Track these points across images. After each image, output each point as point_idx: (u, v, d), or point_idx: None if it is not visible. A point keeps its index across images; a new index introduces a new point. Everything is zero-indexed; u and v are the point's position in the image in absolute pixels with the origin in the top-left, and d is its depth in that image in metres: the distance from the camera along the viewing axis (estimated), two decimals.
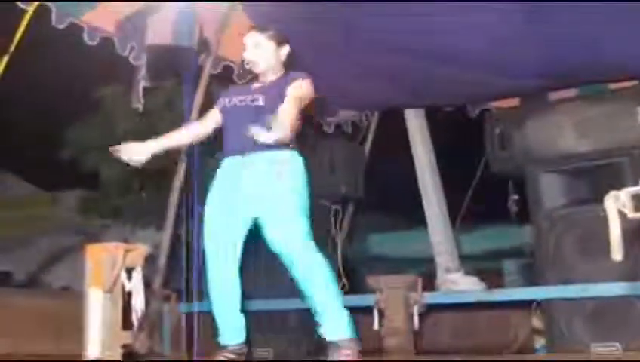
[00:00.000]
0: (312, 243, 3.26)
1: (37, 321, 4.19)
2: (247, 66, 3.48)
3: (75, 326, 2.32)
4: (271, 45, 3.44)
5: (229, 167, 3.41)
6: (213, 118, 3.57)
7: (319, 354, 3.41)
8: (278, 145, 3.15)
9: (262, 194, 3.29)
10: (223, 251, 3.36)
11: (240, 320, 3.39)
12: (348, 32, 4.92)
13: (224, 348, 3.36)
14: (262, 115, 3.11)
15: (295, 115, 3.15)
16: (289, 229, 3.24)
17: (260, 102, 3.33)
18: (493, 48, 4.84)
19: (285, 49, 3.48)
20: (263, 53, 3.43)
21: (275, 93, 3.30)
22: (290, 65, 3.52)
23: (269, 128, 2.91)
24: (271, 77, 3.46)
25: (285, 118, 3.03)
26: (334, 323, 3.23)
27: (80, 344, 2.28)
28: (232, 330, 3.39)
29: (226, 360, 3.30)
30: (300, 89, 3.31)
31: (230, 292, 3.36)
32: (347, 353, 3.17)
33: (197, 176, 4.83)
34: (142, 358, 3.16)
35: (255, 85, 3.51)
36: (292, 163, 3.35)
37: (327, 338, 3.23)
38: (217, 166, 3.51)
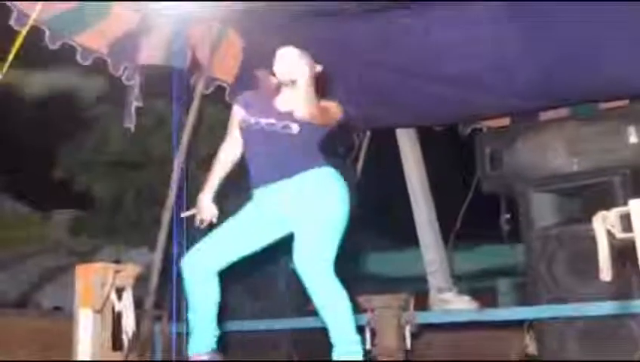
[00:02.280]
0: (333, 272, 3.10)
1: (27, 341, 4.17)
2: (280, 77, 3.23)
3: (66, 346, 2.31)
4: (298, 55, 3.19)
5: (263, 196, 3.28)
6: (238, 138, 3.41)
7: None
8: (310, 164, 3.16)
9: (290, 216, 3.21)
10: (216, 258, 3.30)
11: (210, 329, 3.32)
12: (340, 51, 4.94)
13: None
14: (296, 145, 3.14)
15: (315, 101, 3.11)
16: (316, 254, 3.10)
17: (294, 131, 3.19)
18: (485, 68, 4.87)
19: (318, 67, 3.22)
20: (299, 66, 3.15)
21: (313, 123, 3.19)
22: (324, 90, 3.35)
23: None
24: (299, 97, 3.16)
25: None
26: (347, 347, 3.11)
27: None
28: (199, 339, 3.32)
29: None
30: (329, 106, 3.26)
31: (207, 297, 3.29)
32: None
33: (188, 196, 4.85)
34: None
35: (281, 106, 3.29)
36: (328, 183, 3.25)
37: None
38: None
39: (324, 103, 3.27)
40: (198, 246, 3.34)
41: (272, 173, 3.22)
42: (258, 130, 3.27)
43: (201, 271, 3.26)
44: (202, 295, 3.28)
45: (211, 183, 3.46)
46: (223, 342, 3.44)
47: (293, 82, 3.17)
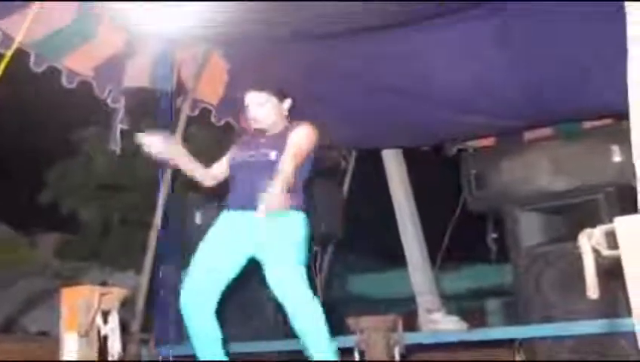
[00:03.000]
0: (309, 290, 3.29)
1: None
2: (254, 125, 3.58)
3: None
4: (273, 101, 3.55)
5: (232, 217, 3.50)
6: (225, 166, 3.68)
7: None
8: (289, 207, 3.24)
9: (263, 240, 3.37)
10: (208, 291, 3.41)
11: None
12: (326, 74, 4.96)
13: None
14: (273, 170, 3.26)
15: (295, 164, 3.30)
16: (287, 276, 3.29)
17: (272, 157, 3.40)
18: (472, 89, 4.90)
19: (287, 102, 3.59)
20: (266, 111, 3.54)
21: (274, 146, 3.43)
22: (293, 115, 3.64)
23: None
24: (276, 130, 3.55)
25: (285, 169, 3.21)
26: (322, 353, 3.23)
27: None
28: None
29: None
30: (299, 138, 3.42)
31: (209, 330, 3.40)
32: None
33: (172, 217, 4.86)
34: None
35: (262, 139, 3.56)
36: (293, 218, 3.39)
37: None
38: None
39: (301, 129, 3.47)
40: (185, 285, 3.45)
41: (249, 199, 3.28)
42: (242, 162, 3.53)
43: (197, 304, 3.40)
44: (204, 328, 3.40)
45: (187, 158, 3.65)
46: None
47: (263, 123, 3.56)
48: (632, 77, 1.75)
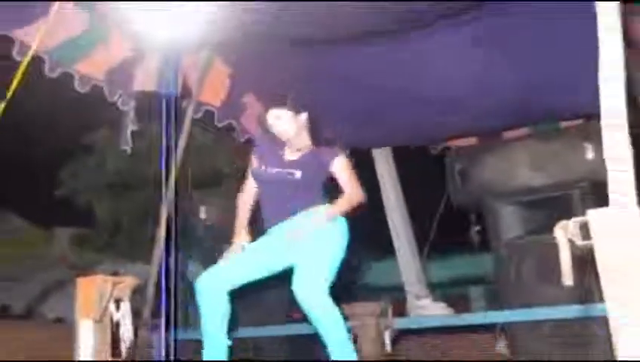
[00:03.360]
0: (330, 299, 3.30)
1: (32, 350, 4.13)
2: (281, 138, 3.54)
3: (68, 355, 2.28)
4: (289, 115, 3.51)
5: (272, 232, 3.51)
6: (253, 186, 3.66)
7: None
8: (312, 204, 3.42)
9: (300, 246, 3.37)
10: (231, 279, 3.45)
11: (222, 342, 3.42)
12: (320, 77, 4.95)
13: None
14: (299, 189, 3.42)
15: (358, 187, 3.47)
16: (316, 281, 3.30)
17: (297, 176, 3.44)
18: (455, 94, 4.91)
19: (303, 115, 3.54)
20: (284, 124, 3.50)
21: (312, 168, 3.47)
22: (315, 131, 3.62)
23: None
24: (300, 144, 3.55)
25: (354, 196, 3.44)
26: (343, 355, 3.29)
27: None
28: (212, 351, 3.42)
29: None
30: (345, 166, 3.50)
31: (220, 313, 3.41)
32: None
33: (179, 214, 4.86)
34: None
35: (288, 156, 3.56)
36: (335, 225, 3.45)
37: None
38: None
39: (341, 159, 3.53)
40: (212, 269, 3.49)
41: (279, 213, 3.46)
42: (268, 178, 3.53)
43: (214, 290, 3.40)
44: (213, 311, 3.40)
45: (238, 229, 3.63)
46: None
47: (283, 137, 3.51)
48: (602, 74, 1.75)
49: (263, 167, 3.56)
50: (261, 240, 3.56)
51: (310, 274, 3.32)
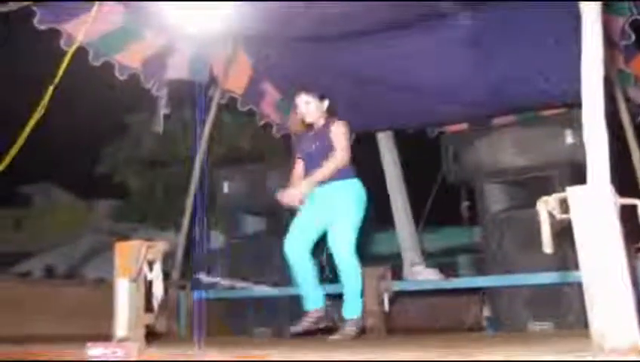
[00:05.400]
0: (353, 251, 3.63)
1: (76, 307, 4.17)
2: (305, 120, 3.90)
3: (107, 310, 2.30)
4: (315, 100, 3.85)
5: (313, 197, 3.77)
6: (300, 162, 3.95)
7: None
8: (342, 176, 3.69)
9: (329, 211, 3.69)
10: (303, 242, 3.75)
11: (317, 291, 3.74)
12: (328, 70, 4.93)
13: (305, 313, 3.73)
14: (320, 157, 3.72)
15: (347, 146, 3.72)
16: (341, 238, 3.62)
17: (312, 149, 3.82)
18: (449, 84, 4.90)
19: (325, 102, 3.89)
20: (312, 108, 3.86)
21: (321, 139, 3.79)
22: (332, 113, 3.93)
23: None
24: (319, 124, 3.89)
25: (341, 151, 3.67)
26: (352, 306, 3.65)
27: (110, 325, 2.27)
28: (311, 299, 3.74)
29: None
30: (340, 130, 3.74)
31: (307, 270, 3.73)
32: (353, 329, 3.60)
33: (204, 186, 4.88)
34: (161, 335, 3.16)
35: (310, 133, 3.93)
36: (352, 189, 3.73)
37: (345, 316, 3.65)
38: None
39: (339, 124, 3.80)
40: (288, 235, 3.80)
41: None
42: (307, 154, 3.87)
43: (297, 251, 3.74)
44: (302, 268, 3.73)
45: (294, 182, 3.92)
46: None
47: (308, 118, 3.89)
48: (584, 68, 1.74)
49: (300, 150, 3.93)
50: (307, 206, 3.78)
51: (339, 231, 3.62)
